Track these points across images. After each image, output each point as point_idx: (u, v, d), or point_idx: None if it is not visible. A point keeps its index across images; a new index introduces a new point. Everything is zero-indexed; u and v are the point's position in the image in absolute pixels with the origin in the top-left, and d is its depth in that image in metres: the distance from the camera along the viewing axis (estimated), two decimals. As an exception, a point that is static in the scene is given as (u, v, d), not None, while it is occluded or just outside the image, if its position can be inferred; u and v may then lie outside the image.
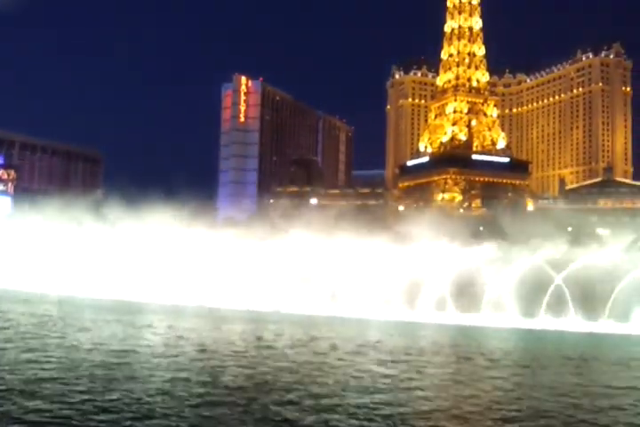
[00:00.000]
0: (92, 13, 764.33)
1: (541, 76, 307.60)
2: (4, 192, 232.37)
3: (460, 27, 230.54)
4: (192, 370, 26.40)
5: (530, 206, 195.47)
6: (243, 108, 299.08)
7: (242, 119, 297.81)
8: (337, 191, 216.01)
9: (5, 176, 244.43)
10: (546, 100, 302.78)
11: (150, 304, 53.49)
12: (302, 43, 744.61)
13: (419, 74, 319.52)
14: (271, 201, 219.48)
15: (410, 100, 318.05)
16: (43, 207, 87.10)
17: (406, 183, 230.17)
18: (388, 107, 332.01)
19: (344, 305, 51.37)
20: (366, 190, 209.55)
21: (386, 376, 26.40)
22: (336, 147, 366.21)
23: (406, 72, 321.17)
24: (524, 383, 26.68)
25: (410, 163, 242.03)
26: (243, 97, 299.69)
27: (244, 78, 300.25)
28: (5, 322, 39.56)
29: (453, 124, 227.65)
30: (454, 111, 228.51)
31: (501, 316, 46.18)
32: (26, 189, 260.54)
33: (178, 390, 22.52)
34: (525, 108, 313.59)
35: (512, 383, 26.32)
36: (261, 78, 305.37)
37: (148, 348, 32.08)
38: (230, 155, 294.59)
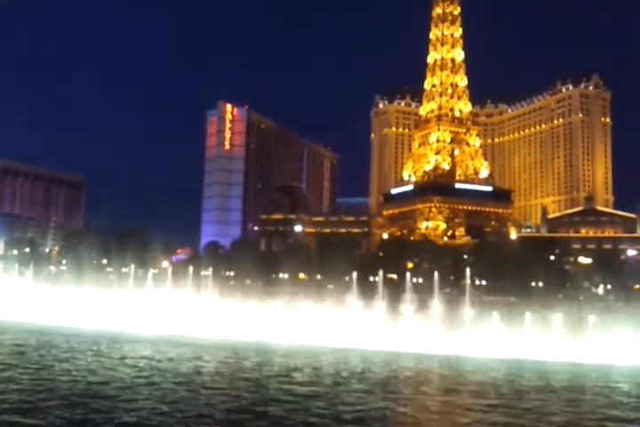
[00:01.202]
0: (76, 36, 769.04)
1: (522, 106, 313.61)
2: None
3: (442, 58, 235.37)
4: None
5: (513, 235, 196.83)
6: (228, 135, 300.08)
7: (227, 147, 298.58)
8: (321, 219, 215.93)
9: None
10: (527, 131, 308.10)
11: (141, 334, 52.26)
12: (288, 70, 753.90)
13: (402, 103, 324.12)
14: (255, 228, 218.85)
15: (393, 129, 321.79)
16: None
17: (390, 211, 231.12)
18: (372, 135, 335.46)
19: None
20: (351, 218, 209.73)
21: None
22: (320, 174, 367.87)
23: (390, 101, 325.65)
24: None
25: (394, 191, 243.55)
26: (228, 124, 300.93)
27: (229, 106, 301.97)
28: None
29: (437, 153, 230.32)
30: (437, 140, 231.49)
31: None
32: (6, 215, 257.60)
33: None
34: (507, 137, 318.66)
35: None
36: (247, 106, 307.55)
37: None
38: (215, 182, 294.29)
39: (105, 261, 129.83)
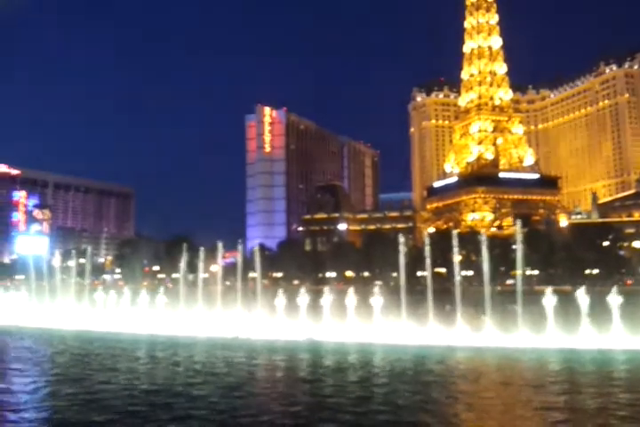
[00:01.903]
0: (119, 50, 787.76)
1: (565, 90, 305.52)
2: (41, 232, 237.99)
3: (479, 47, 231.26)
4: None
5: (563, 222, 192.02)
6: (268, 138, 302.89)
7: (267, 149, 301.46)
8: (365, 216, 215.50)
9: (41, 216, 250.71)
10: (571, 115, 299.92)
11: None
12: (323, 69, 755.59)
13: (440, 95, 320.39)
14: (300, 228, 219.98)
15: (433, 121, 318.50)
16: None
17: (434, 204, 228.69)
18: (412, 129, 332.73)
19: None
20: (395, 214, 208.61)
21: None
22: (362, 171, 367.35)
23: (427, 94, 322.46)
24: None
25: (437, 184, 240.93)
26: (267, 127, 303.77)
27: (267, 109, 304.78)
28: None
29: (479, 143, 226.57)
30: (479, 130, 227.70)
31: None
32: (61, 228, 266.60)
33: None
34: (551, 123, 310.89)
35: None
36: (285, 108, 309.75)
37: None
38: (257, 185, 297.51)
39: (156, 268, 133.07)
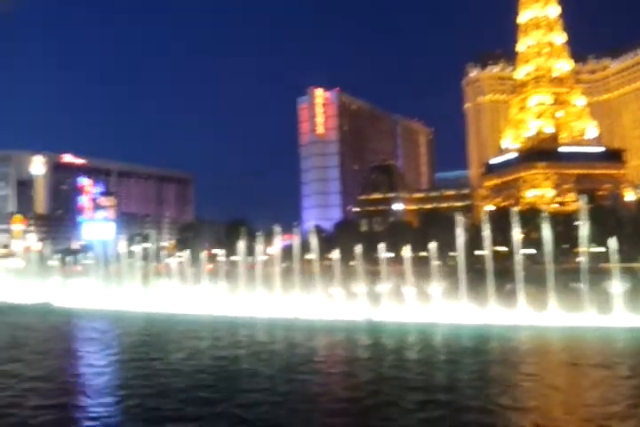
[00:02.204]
0: (175, 35, 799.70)
1: (627, 59, 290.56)
2: (107, 218, 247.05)
3: (535, 17, 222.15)
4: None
5: (629, 196, 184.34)
6: (320, 119, 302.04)
7: (320, 131, 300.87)
8: (421, 195, 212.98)
9: (106, 203, 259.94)
10: (635, 84, 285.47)
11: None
12: (373, 47, 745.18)
13: (495, 69, 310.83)
14: (355, 209, 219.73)
15: (488, 96, 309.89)
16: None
17: (492, 182, 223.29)
18: (467, 105, 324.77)
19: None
20: (451, 192, 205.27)
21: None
22: (416, 150, 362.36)
23: (482, 68, 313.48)
24: None
25: (494, 160, 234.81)
26: (319, 109, 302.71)
27: (319, 90, 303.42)
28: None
29: (538, 117, 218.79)
30: (537, 104, 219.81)
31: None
32: (125, 214, 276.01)
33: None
34: (613, 93, 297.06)
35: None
36: (337, 89, 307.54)
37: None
38: (311, 167, 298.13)
39: (216, 251, 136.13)
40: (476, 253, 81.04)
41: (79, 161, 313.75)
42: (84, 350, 40.16)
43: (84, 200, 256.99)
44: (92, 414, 22.42)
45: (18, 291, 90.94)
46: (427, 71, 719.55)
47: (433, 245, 62.93)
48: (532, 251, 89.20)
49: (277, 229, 76.54)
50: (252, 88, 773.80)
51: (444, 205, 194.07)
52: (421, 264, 62.10)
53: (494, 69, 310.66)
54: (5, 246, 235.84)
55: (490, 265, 52.98)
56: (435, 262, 59.70)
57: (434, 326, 45.90)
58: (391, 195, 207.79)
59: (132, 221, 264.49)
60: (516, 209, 60.56)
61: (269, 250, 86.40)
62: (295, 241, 75.04)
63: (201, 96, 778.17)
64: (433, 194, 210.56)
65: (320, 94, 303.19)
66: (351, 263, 66.49)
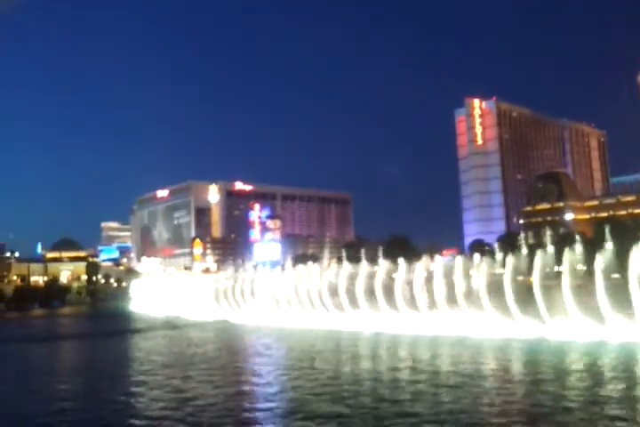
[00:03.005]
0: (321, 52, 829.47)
1: None
2: (273, 240, 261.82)
3: None
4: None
5: None
6: (479, 130, 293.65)
7: (479, 142, 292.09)
8: (595, 203, 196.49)
9: (272, 226, 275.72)
10: None
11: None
12: (529, 51, 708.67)
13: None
14: (520, 221, 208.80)
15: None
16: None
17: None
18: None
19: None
20: (630, 198, 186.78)
21: None
22: (587, 154, 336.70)
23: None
24: None
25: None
26: (477, 120, 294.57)
27: (476, 101, 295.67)
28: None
29: None
30: None
31: None
32: (289, 235, 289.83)
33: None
34: None
35: None
36: (494, 97, 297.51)
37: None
38: (471, 179, 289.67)
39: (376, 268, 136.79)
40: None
41: (248, 187, 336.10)
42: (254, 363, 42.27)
43: (254, 225, 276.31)
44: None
45: (201, 308, 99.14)
46: (593, 70, 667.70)
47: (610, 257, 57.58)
48: None
49: (438, 244, 75.24)
50: (407, 102, 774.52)
51: (622, 212, 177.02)
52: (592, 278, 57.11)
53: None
54: (187, 268, 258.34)
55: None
56: (614, 275, 54.82)
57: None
58: (560, 204, 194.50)
59: (296, 242, 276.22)
60: None
61: (431, 266, 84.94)
62: (456, 256, 73.14)
63: (356, 112, 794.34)
64: (608, 201, 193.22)
65: (477, 105, 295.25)
66: (519, 278, 63.16)
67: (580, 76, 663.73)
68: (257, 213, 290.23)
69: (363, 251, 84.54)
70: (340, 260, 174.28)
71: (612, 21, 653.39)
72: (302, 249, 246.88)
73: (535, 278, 56.71)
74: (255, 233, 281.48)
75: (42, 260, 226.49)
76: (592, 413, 23.06)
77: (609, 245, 63.02)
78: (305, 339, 58.41)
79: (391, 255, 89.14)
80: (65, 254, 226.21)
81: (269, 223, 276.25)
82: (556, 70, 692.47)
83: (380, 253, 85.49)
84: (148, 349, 54.40)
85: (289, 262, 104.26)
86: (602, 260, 53.38)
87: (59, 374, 40.39)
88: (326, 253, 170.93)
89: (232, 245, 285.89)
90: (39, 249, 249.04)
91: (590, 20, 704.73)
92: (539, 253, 61.16)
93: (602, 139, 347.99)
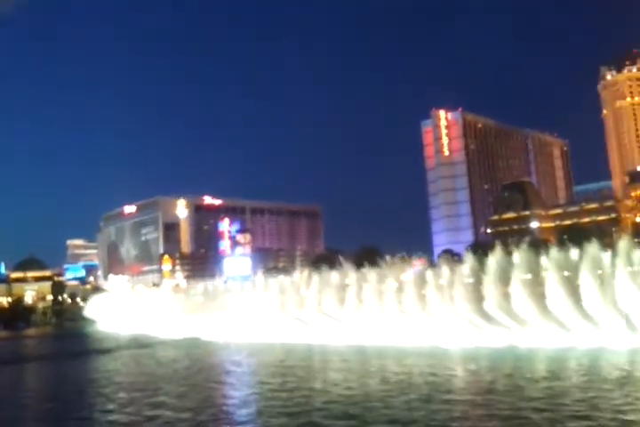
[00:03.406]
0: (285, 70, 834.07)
1: None
2: (243, 254, 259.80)
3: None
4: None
5: None
6: (445, 141, 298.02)
7: (446, 153, 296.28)
8: (559, 211, 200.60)
9: (242, 240, 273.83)
10: None
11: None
12: (493, 62, 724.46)
13: (634, 69, 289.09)
14: (488, 230, 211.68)
15: (628, 99, 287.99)
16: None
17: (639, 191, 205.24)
18: (605, 111, 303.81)
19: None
20: (593, 205, 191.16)
21: None
22: (551, 164, 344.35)
23: (619, 70, 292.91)
24: None
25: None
26: (444, 131, 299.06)
27: (442, 112, 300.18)
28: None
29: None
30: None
31: None
32: (260, 249, 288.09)
33: None
34: None
35: None
36: (460, 108, 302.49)
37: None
38: (439, 190, 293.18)
39: (347, 281, 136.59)
40: (629, 269, 74.00)
41: (217, 202, 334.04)
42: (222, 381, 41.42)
43: (223, 239, 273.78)
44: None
45: (168, 325, 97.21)
46: (554, 81, 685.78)
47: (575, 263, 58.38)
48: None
49: (407, 255, 75.41)
50: (374, 114, 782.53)
51: (586, 219, 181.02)
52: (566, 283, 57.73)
53: (632, 70, 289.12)
54: (155, 285, 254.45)
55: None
56: (579, 282, 55.40)
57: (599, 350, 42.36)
58: (526, 213, 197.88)
59: (266, 256, 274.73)
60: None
61: (401, 276, 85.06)
62: (426, 266, 73.38)
63: (323, 125, 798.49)
64: (572, 209, 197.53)
65: (443, 116, 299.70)
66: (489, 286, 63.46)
67: (543, 87, 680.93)
68: (226, 227, 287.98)
69: (336, 261, 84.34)
70: (310, 272, 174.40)
71: (574, 32, 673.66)
72: (273, 263, 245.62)
73: (491, 286, 57.35)
74: (225, 246, 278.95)
75: (5, 280, 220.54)
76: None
77: (574, 253, 63.88)
78: (274, 354, 57.68)
79: (362, 266, 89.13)
80: (29, 274, 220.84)
81: (239, 237, 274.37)
82: (518, 81, 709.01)
83: (351, 265, 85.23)
84: (113, 369, 52.99)
85: (260, 276, 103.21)
86: (564, 266, 54.13)
87: (13, 398, 38.72)
88: (297, 266, 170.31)
89: (202, 261, 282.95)
90: (2, 269, 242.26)
91: (552, 32, 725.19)
92: (506, 261, 61.71)
93: (564, 148, 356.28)
